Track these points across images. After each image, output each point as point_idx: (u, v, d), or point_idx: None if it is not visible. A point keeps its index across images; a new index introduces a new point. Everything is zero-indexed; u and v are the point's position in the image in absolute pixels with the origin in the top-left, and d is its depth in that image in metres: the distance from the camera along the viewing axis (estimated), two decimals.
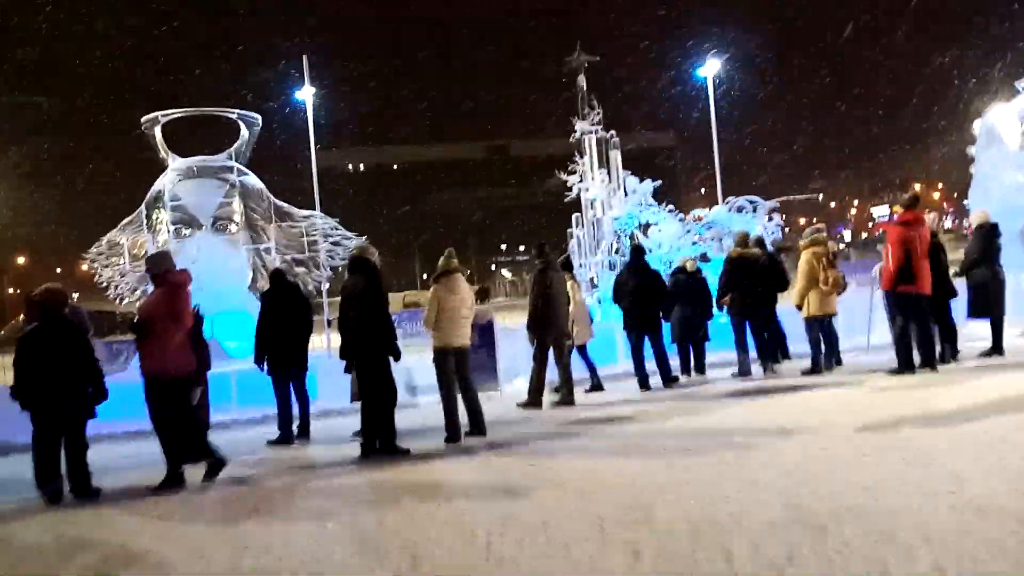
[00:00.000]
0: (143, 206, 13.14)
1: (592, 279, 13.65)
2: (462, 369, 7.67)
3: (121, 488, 6.55)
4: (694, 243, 13.66)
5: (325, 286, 14.53)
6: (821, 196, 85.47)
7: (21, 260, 61.02)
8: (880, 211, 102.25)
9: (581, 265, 14.09)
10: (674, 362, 10.70)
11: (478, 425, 7.64)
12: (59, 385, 6.41)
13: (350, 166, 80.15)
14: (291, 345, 8.41)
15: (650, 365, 10.33)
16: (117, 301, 13.83)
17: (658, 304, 10.25)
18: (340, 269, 14.47)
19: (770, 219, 13.99)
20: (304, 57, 14.51)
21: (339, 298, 8.63)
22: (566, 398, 9.26)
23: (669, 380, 10.34)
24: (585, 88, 14.52)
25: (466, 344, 7.74)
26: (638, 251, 10.62)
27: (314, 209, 14.08)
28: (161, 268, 6.86)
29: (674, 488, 5.13)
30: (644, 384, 10.25)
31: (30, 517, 6.02)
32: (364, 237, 14.10)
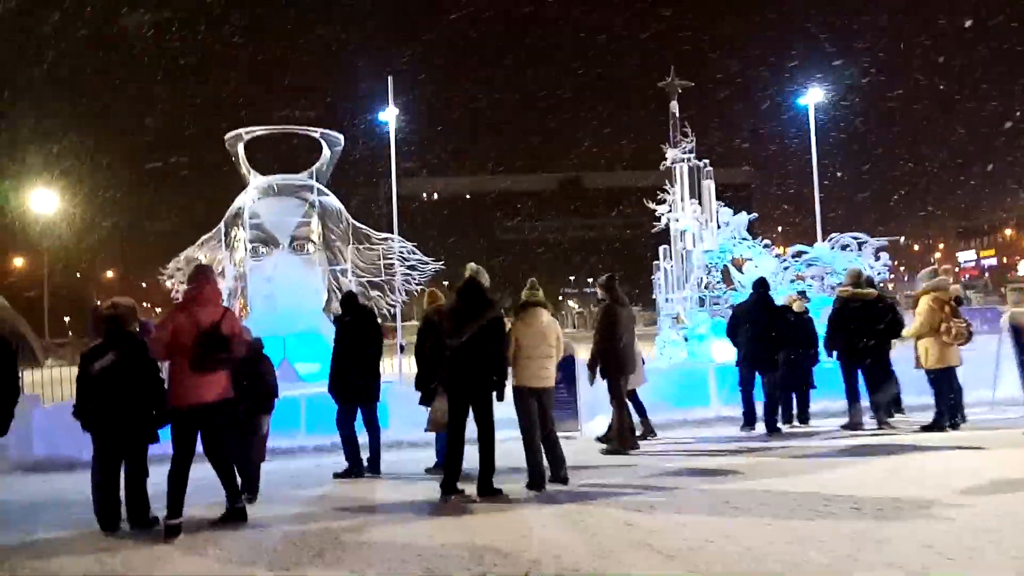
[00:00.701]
0: (222, 223, 13.01)
1: (678, 315, 12.80)
2: (544, 412, 7.00)
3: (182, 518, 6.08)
4: (792, 280, 12.69)
5: (399, 310, 14.09)
6: (903, 239, 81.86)
7: (110, 274, 63.46)
8: (967, 256, 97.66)
9: (667, 299, 13.26)
10: None
11: (559, 472, 6.94)
12: (121, 406, 6.01)
13: (424, 194, 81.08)
14: (363, 372, 7.90)
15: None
16: None
17: (779, 343, 9.42)
18: (416, 293, 14.05)
19: (877, 258, 12.91)
20: (389, 78, 14.30)
21: (421, 322, 8.21)
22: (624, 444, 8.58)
23: (773, 429, 9.46)
24: (678, 114, 13.78)
25: (548, 385, 7.05)
26: (763, 284, 9.77)
27: (391, 232, 13.72)
28: (191, 283, 6.20)
29: (809, 568, 4.32)
30: (750, 422, 9.60)
31: (81, 547, 5.58)
32: (440, 263, 13.68)
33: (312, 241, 12.59)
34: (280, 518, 6.16)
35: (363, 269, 13.20)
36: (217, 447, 6.00)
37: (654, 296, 13.96)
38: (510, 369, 6.92)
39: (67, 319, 50.70)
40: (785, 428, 9.64)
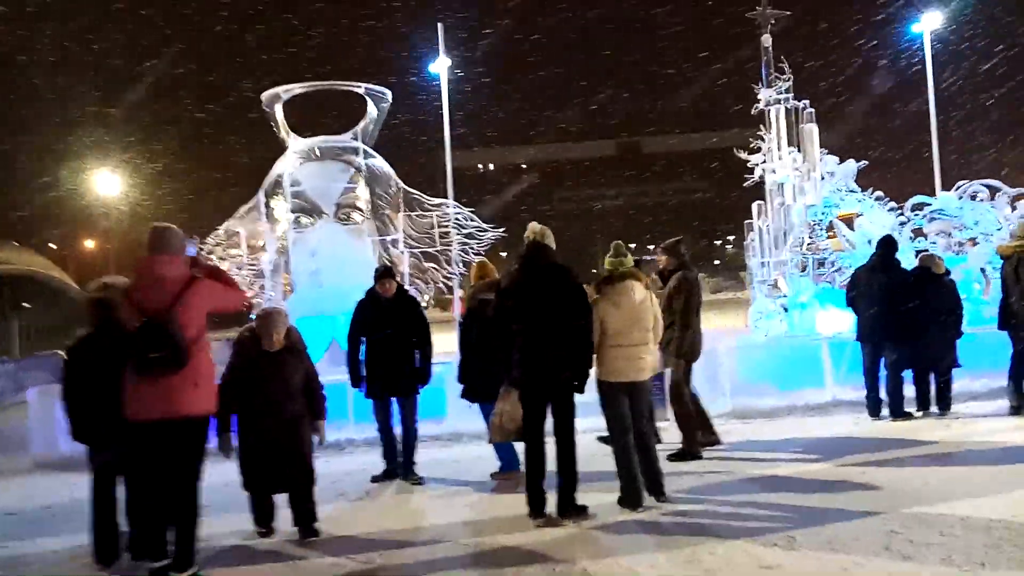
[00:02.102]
0: (261, 192, 11.85)
1: (776, 281, 11.10)
2: (637, 411, 5.55)
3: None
4: (912, 238, 10.85)
5: (456, 283, 12.76)
6: None
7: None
8: None
9: (763, 263, 11.56)
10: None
11: (657, 486, 5.51)
12: (114, 413, 4.80)
13: (478, 164, 79.37)
14: (394, 360, 6.60)
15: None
16: None
17: (909, 313, 7.78)
18: (475, 263, 12.70)
19: (1013, 208, 10.94)
20: (439, 25, 12.84)
21: (468, 301, 6.89)
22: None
23: (899, 414, 7.87)
24: (771, 49, 11.94)
25: (642, 379, 5.58)
26: (888, 244, 8.10)
27: (445, 197, 12.35)
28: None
29: None
30: (875, 410, 8.03)
31: None
32: (501, 229, 12.25)
33: (359, 209, 11.31)
34: (314, 546, 4.94)
35: (416, 239, 11.88)
36: (179, 482, 4.43)
37: (746, 259, 12.29)
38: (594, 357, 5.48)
39: None
40: (917, 415, 7.99)
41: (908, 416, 7.91)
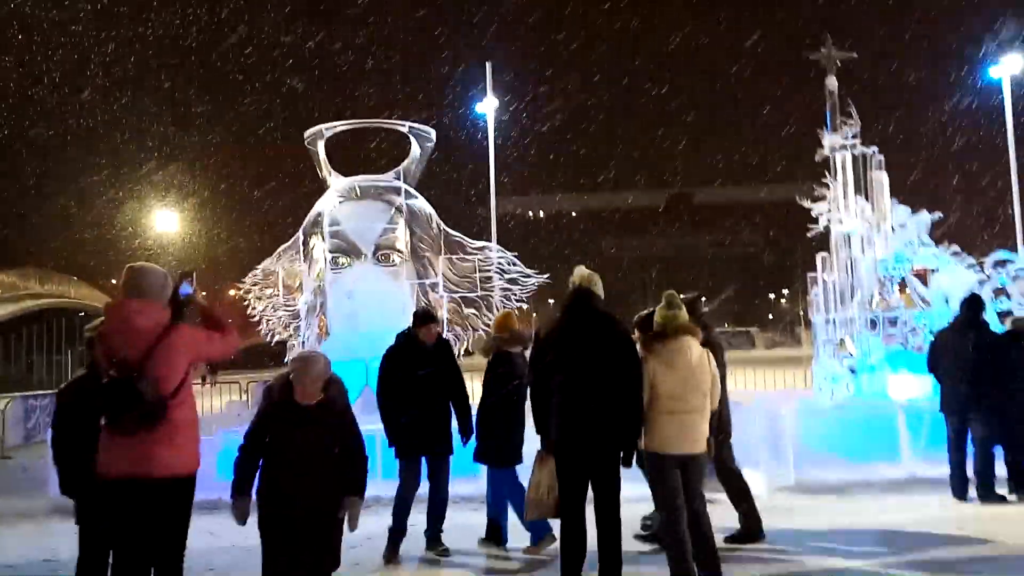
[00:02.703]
0: (300, 231, 11.52)
1: (842, 340, 10.24)
2: (691, 487, 4.83)
3: None
4: (993, 297, 9.91)
5: None
6: None
7: (232, 292, 64.84)
8: None
9: (828, 320, 10.71)
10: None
11: (712, 567, 4.76)
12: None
13: (523, 211, 79.12)
14: (431, 415, 6.00)
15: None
16: (268, 337, 12.31)
17: (1000, 382, 6.95)
18: (518, 311, 12.10)
19: None
20: (487, 64, 12.51)
21: (487, 355, 6.27)
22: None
23: (990, 495, 6.97)
24: (836, 91, 11.26)
25: (698, 451, 4.87)
26: (975, 303, 7.31)
27: (488, 240, 11.85)
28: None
29: None
30: (961, 491, 7.15)
31: None
32: (545, 276, 11.66)
33: (398, 251, 10.85)
34: None
35: (456, 283, 11.36)
36: (160, 550, 3.91)
37: (810, 316, 11.43)
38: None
39: None
40: (1012, 498, 7.05)
41: (1001, 499, 6.98)
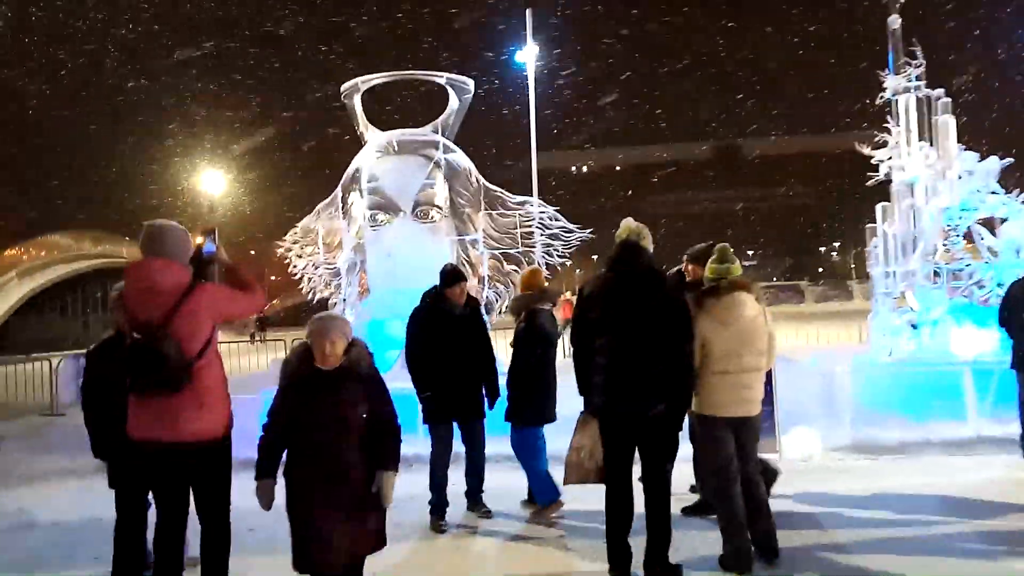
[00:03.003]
0: (339, 187, 11.33)
1: (903, 293, 9.72)
2: (745, 452, 4.56)
3: None
4: None
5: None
6: None
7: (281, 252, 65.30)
8: None
9: (888, 273, 10.18)
10: None
11: (769, 547, 4.51)
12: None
13: (565, 165, 77.88)
14: (459, 378, 5.85)
15: None
16: (310, 296, 12.26)
17: None
18: (561, 267, 11.84)
19: None
20: (528, 11, 11.99)
21: (518, 316, 6.05)
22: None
23: None
24: (899, 31, 10.53)
25: (752, 413, 4.58)
26: None
27: (529, 195, 11.52)
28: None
29: None
30: None
31: None
32: (589, 231, 11.31)
33: (437, 206, 10.61)
34: None
35: (496, 239, 11.10)
36: (204, 513, 3.93)
37: (868, 268, 10.89)
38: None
39: None
40: None
41: None
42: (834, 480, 6.39)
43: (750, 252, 73.53)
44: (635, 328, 4.31)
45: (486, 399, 6.00)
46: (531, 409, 5.79)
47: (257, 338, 28.66)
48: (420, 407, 5.99)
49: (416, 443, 7.98)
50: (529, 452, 5.80)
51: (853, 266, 57.84)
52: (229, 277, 3.97)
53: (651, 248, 4.68)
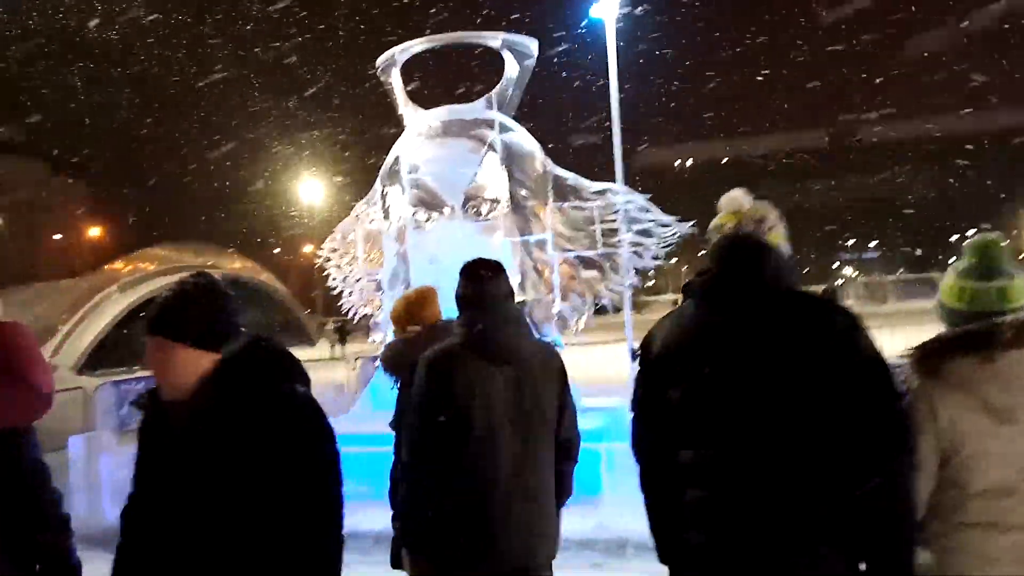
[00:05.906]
0: (378, 181, 9.35)
1: None
2: None
3: None
4: None
5: (628, 297, 9.46)
6: None
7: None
8: None
9: None
10: None
11: None
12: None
13: (667, 162, 73.84)
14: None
15: None
16: (352, 315, 10.31)
17: None
18: (653, 272, 9.45)
19: None
20: None
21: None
22: None
23: None
24: None
25: None
26: None
27: (612, 181, 9.15)
28: None
29: None
30: None
31: None
32: (690, 223, 8.81)
33: (493, 200, 8.44)
34: None
35: (570, 238, 8.82)
36: None
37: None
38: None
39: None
40: None
41: None
42: None
43: (850, 242, 68.22)
44: (769, 424, 1.94)
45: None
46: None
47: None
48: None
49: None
50: None
51: None
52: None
53: (788, 248, 2.31)
